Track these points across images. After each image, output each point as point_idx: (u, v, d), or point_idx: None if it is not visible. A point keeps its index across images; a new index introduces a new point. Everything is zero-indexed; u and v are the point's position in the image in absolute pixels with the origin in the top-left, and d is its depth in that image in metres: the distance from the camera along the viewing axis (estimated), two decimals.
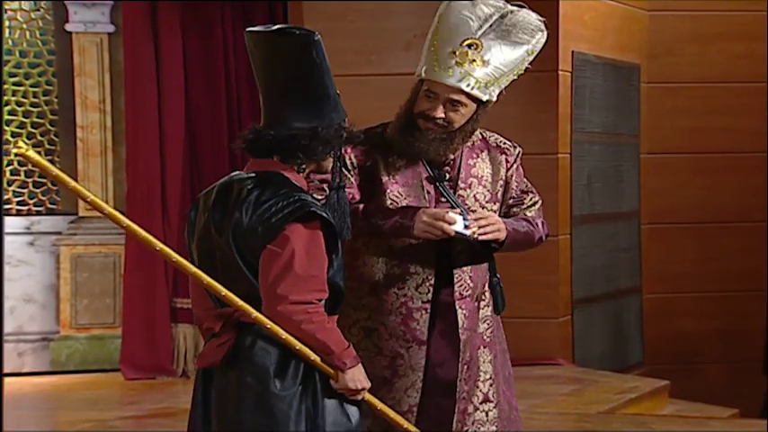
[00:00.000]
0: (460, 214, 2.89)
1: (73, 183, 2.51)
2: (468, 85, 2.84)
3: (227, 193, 2.65)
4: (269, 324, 2.57)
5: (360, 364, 2.63)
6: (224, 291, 2.59)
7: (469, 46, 2.82)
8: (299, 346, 2.58)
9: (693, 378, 6.62)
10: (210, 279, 2.60)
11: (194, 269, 2.62)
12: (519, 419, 3.12)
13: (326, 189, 2.75)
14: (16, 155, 2.42)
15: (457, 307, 2.96)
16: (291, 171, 2.66)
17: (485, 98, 2.88)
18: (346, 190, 2.78)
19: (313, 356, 2.59)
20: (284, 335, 2.57)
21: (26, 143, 2.45)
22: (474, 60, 2.81)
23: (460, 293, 2.97)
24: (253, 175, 2.66)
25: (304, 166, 2.67)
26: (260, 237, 2.57)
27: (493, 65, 2.84)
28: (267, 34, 2.64)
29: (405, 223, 2.87)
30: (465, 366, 2.97)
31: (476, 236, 2.87)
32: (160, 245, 2.58)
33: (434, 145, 2.90)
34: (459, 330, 2.96)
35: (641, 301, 6.86)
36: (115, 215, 2.55)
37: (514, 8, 2.87)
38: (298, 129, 2.62)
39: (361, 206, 2.93)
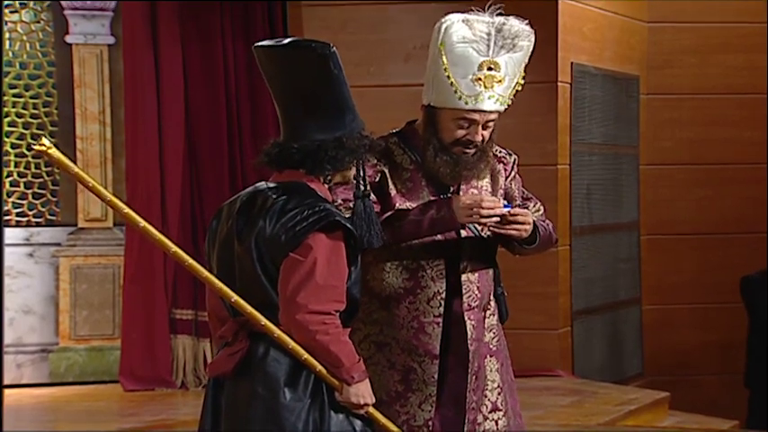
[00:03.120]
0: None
1: (92, 182, 2.56)
2: (502, 105, 2.93)
3: (252, 202, 2.68)
4: (277, 332, 2.59)
5: (367, 380, 2.65)
6: (234, 297, 2.61)
7: (489, 68, 2.88)
8: (305, 356, 2.59)
9: (693, 389, 6.61)
10: (222, 285, 2.61)
11: (207, 274, 2.64)
12: (524, 426, 3.14)
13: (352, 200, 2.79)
14: (37, 151, 2.46)
15: (465, 318, 2.98)
16: (317, 182, 2.69)
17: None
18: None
19: (319, 367, 2.60)
20: (291, 344, 2.59)
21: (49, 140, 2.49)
22: (499, 81, 2.90)
23: (469, 304, 2.99)
24: (277, 185, 2.69)
25: (330, 177, 2.71)
26: (283, 245, 2.59)
27: (509, 77, 2.92)
28: (282, 49, 2.66)
29: (444, 215, 2.89)
30: (473, 377, 2.98)
31: (511, 215, 2.92)
32: (174, 247, 2.60)
33: (477, 165, 2.98)
34: (468, 341, 2.97)
35: (641, 312, 6.86)
36: (132, 216, 2.58)
37: (500, 18, 2.91)
38: (323, 140, 2.65)
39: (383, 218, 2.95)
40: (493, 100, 2.90)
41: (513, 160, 3.14)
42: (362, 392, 2.63)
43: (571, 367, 6.19)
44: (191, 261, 2.60)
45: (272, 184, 2.71)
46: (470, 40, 2.86)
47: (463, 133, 2.94)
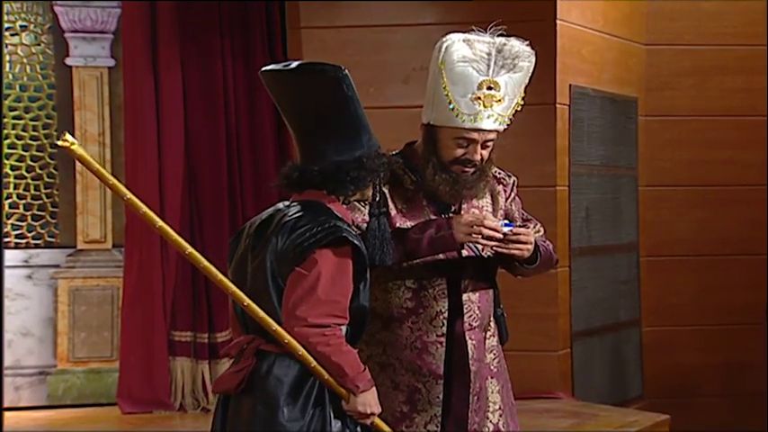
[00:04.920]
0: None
1: (113, 180, 2.60)
2: (501, 124, 2.95)
3: (269, 221, 2.73)
4: (287, 338, 2.61)
5: (373, 389, 2.67)
6: (247, 300, 2.64)
7: (489, 88, 2.90)
8: (314, 363, 2.63)
9: (694, 412, 6.59)
10: (236, 289, 2.65)
11: (221, 276, 2.67)
12: None
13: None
14: (60, 147, 2.47)
15: (467, 338, 2.98)
16: (334, 202, 2.72)
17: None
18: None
19: (326, 376, 2.63)
20: (301, 350, 2.62)
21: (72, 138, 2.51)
22: (498, 100, 2.91)
23: (470, 324, 2.99)
24: (294, 203, 2.74)
25: (350, 197, 2.73)
26: (290, 260, 2.64)
27: (508, 97, 2.94)
28: (292, 73, 2.68)
29: (443, 234, 2.89)
30: (475, 397, 2.98)
31: (513, 234, 2.92)
32: (190, 248, 2.67)
33: (477, 184, 3.00)
34: (470, 361, 2.97)
35: (641, 333, 6.84)
36: (150, 215, 2.62)
37: (500, 38, 2.93)
38: (343, 161, 2.68)
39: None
40: (492, 119, 2.92)
41: (512, 182, 3.16)
42: (369, 401, 2.66)
43: (571, 389, 6.17)
44: (205, 263, 2.66)
45: (289, 204, 2.76)
46: (470, 59, 2.88)
47: (462, 152, 2.95)
